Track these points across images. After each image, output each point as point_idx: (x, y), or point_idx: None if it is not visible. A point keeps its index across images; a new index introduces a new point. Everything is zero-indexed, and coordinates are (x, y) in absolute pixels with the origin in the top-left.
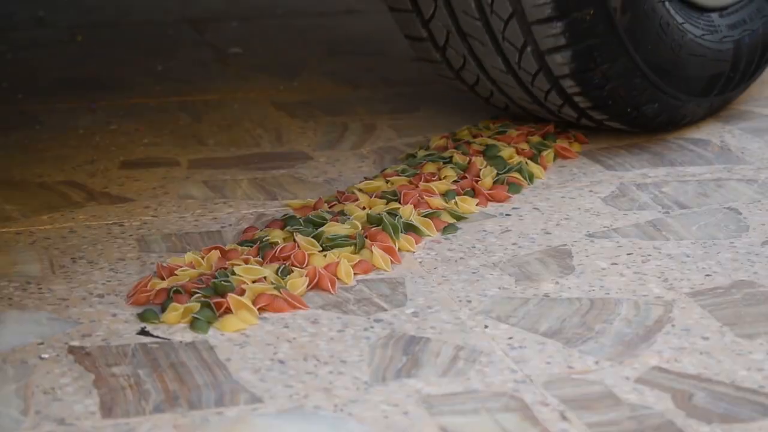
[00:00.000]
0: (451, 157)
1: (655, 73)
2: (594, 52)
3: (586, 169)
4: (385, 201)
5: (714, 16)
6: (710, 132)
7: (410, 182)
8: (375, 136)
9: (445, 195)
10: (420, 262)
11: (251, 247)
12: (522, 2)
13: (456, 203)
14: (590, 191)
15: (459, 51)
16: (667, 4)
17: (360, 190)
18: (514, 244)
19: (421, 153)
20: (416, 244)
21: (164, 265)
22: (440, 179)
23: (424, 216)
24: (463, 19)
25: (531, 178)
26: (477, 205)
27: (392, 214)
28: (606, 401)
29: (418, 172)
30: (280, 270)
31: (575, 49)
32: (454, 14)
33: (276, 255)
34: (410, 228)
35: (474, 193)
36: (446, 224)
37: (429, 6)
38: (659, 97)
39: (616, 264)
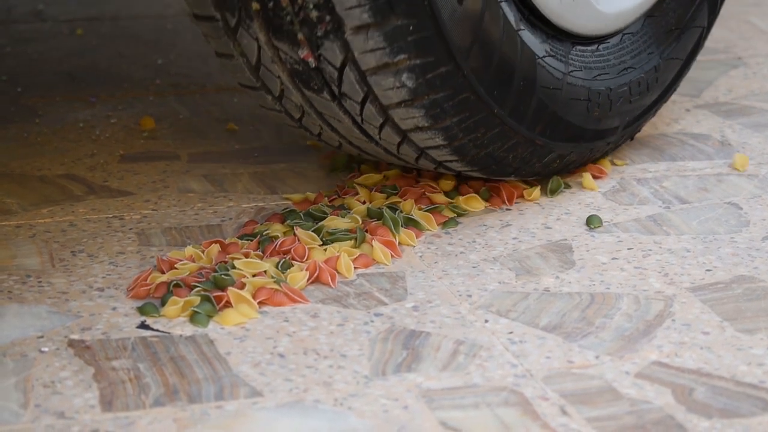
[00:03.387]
0: None
1: (624, 130)
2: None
3: None
4: (385, 195)
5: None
6: (711, 127)
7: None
8: None
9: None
10: (420, 257)
11: (251, 240)
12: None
13: (459, 201)
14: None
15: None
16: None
17: (359, 184)
18: (514, 238)
19: None
20: (416, 238)
21: (164, 258)
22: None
23: (425, 211)
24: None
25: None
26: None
27: (392, 208)
28: (606, 396)
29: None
30: (280, 264)
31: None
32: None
33: (276, 249)
34: (410, 222)
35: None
36: (447, 219)
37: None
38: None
39: (616, 259)
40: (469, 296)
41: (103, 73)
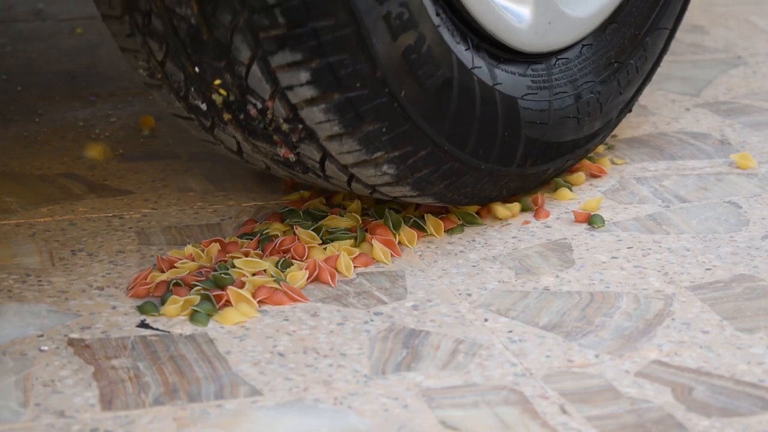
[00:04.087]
0: None
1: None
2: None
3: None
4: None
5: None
6: (710, 126)
7: None
8: None
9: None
10: (420, 256)
11: (251, 239)
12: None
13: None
14: (590, 185)
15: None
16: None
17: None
18: (514, 237)
19: None
20: (417, 238)
21: (164, 257)
22: None
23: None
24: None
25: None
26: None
27: (394, 208)
28: (606, 395)
29: None
30: (279, 263)
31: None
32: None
33: (276, 248)
34: (414, 224)
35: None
36: (454, 225)
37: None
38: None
39: (616, 258)
40: (469, 295)
41: (103, 71)
